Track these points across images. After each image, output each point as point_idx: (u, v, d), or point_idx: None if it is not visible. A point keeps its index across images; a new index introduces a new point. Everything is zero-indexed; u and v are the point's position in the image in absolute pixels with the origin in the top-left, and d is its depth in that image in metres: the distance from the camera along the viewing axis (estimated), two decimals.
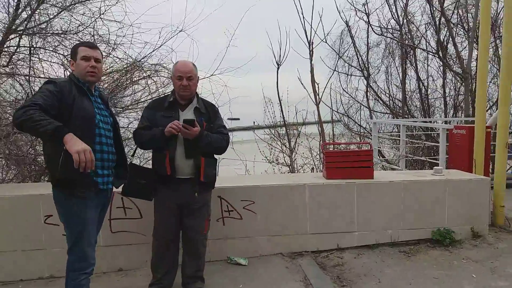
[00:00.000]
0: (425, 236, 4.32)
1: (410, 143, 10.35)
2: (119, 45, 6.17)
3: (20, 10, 6.00)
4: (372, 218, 4.23)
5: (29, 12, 5.85)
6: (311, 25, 9.63)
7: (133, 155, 3.36)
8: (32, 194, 3.70)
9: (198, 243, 3.26)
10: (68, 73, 2.94)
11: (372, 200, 4.22)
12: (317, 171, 9.66)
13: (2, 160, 6.50)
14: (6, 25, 5.78)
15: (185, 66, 3.18)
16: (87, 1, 6.11)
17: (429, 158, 8.75)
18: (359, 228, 4.21)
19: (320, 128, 9.54)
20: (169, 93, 3.35)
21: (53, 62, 6.15)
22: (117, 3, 5.62)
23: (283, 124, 10.07)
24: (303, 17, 9.52)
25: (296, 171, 9.87)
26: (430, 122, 11.15)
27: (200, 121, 3.16)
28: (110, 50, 5.75)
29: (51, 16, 6.08)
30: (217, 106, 3.42)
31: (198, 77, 3.30)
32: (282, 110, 9.50)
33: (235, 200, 3.99)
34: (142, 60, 6.11)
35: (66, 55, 5.96)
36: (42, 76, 5.70)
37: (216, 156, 3.30)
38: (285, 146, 10.21)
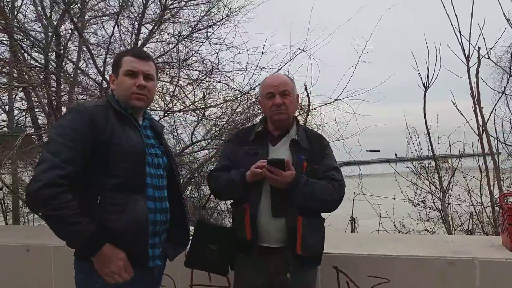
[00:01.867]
0: None
1: None
2: (235, 72, 5.53)
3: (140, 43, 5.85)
4: None
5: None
6: (469, 41, 7.69)
7: (203, 207, 2.44)
8: None
9: None
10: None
11: None
12: (477, 223, 7.40)
13: None
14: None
15: (276, 79, 2.23)
16: (202, 30, 5.64)
17: None
18: None
19: (489, 166, 7.27)
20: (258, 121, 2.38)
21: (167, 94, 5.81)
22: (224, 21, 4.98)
23: (432, 157, 8.18)
24: (459, 29, 7.67)
25: (450, 219, 7.81)
26: None
27: (299, 160, 2.08)
28: (221, 78, 5.13)
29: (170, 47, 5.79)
30: (327, 140, 2.31)
31: (298, 95, 2.27)
32: (430, 141, 7.69)
33: (360, 275, 2.70)
34: (256, 88, 5.35)
35: (183, 86, 5.53)
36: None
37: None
38: (435, 185, 8.24)
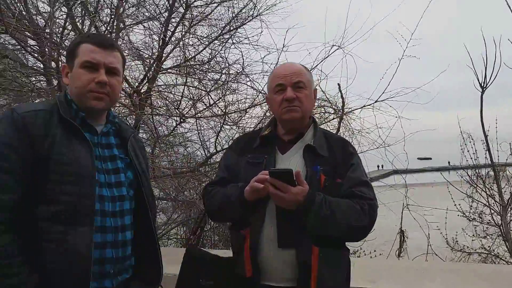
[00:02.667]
0: None
1: None
2: (265, 74, 5.10)
3: (169, 45, 5.55)
4: None
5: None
6: None
7: (195, 233, 2.00)
8: None
9: None
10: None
11: None
12: None
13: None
14: (154, 63, 5.39)
15: (287, 68, 1.77)
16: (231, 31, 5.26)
17: None
18: None
19: None
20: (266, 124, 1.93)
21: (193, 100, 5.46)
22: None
23: (490, 165, 7.31)
24: None
25: None
26: None
27: (315, 172, 1.62)
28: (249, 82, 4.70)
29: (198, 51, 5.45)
30: (353, 145, 1.82)
31: (316, 90, 1.81)
32: (488, 148, 6.86)
33: None
34: None
35: (209, 91, 5.13)
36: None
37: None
38: (493, 198, 7.37)
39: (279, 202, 1.55)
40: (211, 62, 4.80)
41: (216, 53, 4.71)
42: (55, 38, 5.23)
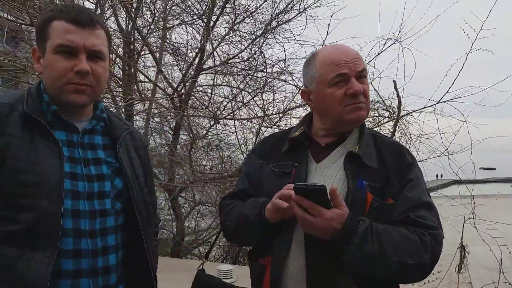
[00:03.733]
0: None
1: None
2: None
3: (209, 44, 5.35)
4: None
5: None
6: None
7: (206, 256, 1.63)
8: None
9: None
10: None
11: None
12: None
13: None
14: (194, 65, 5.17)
15: (347, 51, 1.31)
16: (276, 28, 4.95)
17: None
18: None
19: None
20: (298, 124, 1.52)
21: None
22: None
23: None
24: None
25: None
26: None
27: (359, 189, 1.21)
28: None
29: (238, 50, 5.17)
30: (411, 153, 1.38)
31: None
32: None
33: None
34: None
35: (251, 92, 4.79)
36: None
37: None
38: None
39: (308, 228, 1.15)
40: (251, 61, 4.48)
41: (257, 49, 4.38)
42: None
